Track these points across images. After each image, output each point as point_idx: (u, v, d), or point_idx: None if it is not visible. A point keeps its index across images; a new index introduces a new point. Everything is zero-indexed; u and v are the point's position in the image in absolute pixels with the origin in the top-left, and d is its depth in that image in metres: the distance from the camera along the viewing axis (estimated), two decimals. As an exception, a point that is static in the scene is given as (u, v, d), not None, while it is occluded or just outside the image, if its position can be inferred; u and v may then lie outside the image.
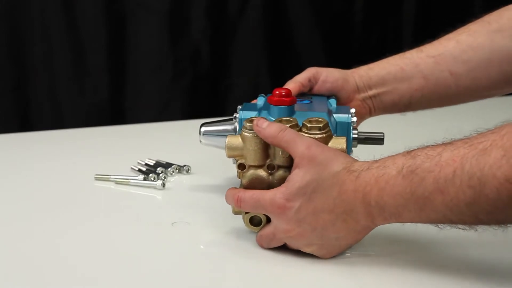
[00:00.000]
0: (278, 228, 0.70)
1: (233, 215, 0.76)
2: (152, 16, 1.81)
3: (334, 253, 0.71)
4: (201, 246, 0.77)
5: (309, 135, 0.72)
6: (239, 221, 0.74)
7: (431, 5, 2.05)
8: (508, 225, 0.63)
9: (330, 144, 0.73)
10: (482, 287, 0.65)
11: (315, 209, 0.67)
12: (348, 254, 0.72)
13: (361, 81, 0.91)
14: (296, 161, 0.69)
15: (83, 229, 0.80)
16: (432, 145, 0.65)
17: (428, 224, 0.67)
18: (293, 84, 0.87)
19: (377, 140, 0.85)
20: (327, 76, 0.90)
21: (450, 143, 0.64)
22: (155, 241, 0.76)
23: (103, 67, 1.79)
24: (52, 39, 1.74)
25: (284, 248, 0.72)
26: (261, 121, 0.72)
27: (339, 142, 0.73)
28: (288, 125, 0.72)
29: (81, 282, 0.66)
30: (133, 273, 0.68)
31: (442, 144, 0.65)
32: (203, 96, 1.89)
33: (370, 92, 0.91)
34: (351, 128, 0.80)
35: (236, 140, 0.74)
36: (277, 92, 0.80)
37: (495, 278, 0.67)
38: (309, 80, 0.89)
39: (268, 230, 0.72)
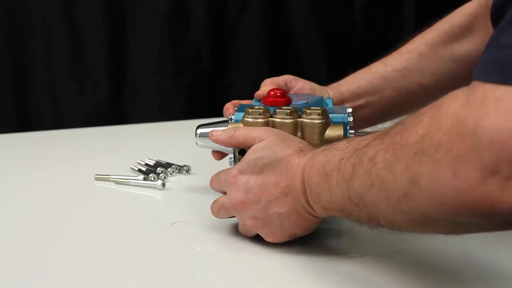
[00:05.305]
0: (229, 197, 0.73)
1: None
2: (152, 16, 1.81)
3: (277, 235, 0.71)
4: (197, 248, 0.77)
5: (309, 120, 0.75)
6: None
7: (431, 5, 2.05)
8: (373, 222, 0.59)
9: (327, 131, 0.75)
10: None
11: (263, 180, 0.70)
12: (345, 255, 0.72)
13: (334, 96, 0.92)
14: (255, 144, 0.73)
15: (83, 229, 0.80)
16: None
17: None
18: (270, 84, 0.88)
19: None
20: (302, 87, 0.91)
21: None
22: (155, 241, 0.77)
23: (103, 67, 1.79)
24: (52, 39, 1.74)
25: (282, 249, 0.72)
26: (214, 132, 0.78)
27: (336, 129, 0.74)
28: (288, 112, 0.76)
29: (81, 282, 0.66)
30: (132, 273, 0.68)
31: None
32: (203, 96, 1.90)
33: None
34: (348, 127, 0.80)
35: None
36: (272, 92, 0.81)
37: (495, 278, 0.67)
38: (286, 84, 0.90)
39: (221, 199, 0.75)
